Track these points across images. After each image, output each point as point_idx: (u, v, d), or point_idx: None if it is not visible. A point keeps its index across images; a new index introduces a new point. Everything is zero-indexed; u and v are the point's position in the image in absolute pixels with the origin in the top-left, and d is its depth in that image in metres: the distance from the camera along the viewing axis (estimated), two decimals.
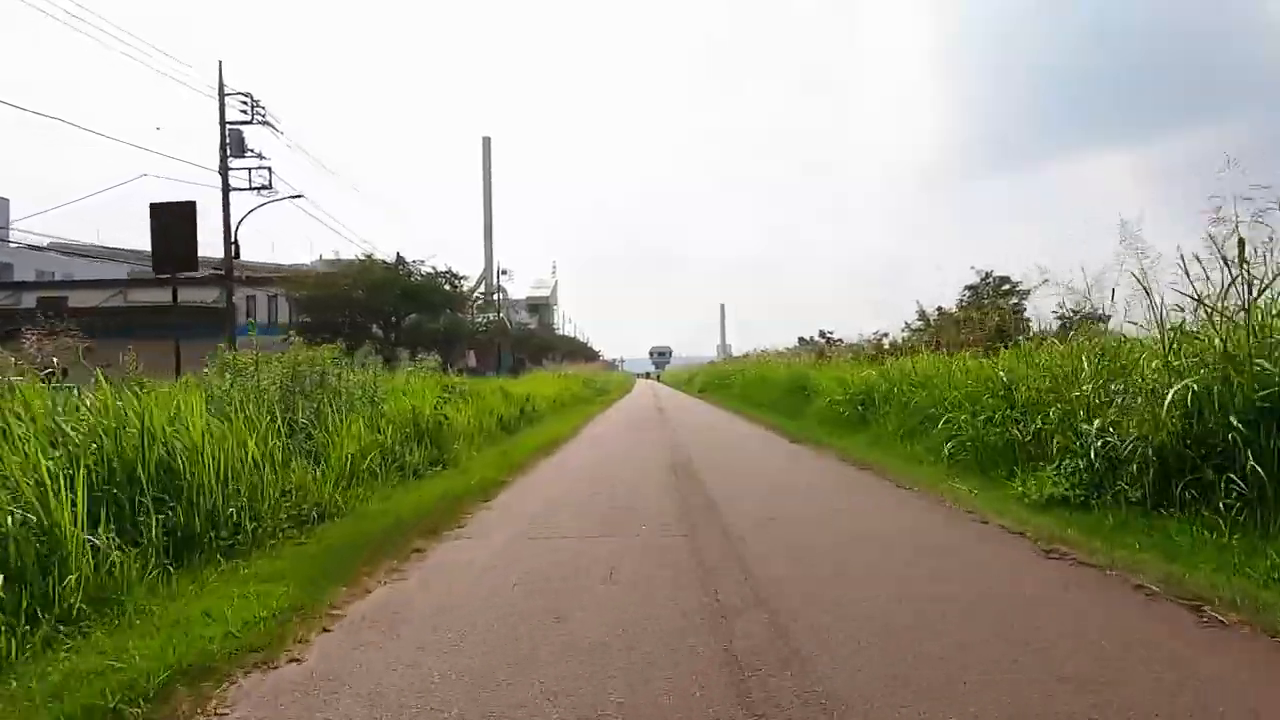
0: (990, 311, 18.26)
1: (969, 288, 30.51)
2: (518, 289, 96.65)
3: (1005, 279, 28.44)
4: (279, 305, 33.77)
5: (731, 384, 29.46)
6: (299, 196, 22.90)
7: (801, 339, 43.00)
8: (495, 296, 79.10)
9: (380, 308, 30.68)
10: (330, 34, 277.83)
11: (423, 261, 32.99)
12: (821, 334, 39.43)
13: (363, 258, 31.35)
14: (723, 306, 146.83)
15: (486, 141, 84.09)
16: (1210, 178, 5.74)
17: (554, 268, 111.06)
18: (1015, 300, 23.53)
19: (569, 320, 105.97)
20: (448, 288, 33.84)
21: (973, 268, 25.90)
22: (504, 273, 60.89)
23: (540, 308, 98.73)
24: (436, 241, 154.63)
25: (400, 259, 32.05)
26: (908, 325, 24.19)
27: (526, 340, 62.54)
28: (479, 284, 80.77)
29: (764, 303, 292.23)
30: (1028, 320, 21.91)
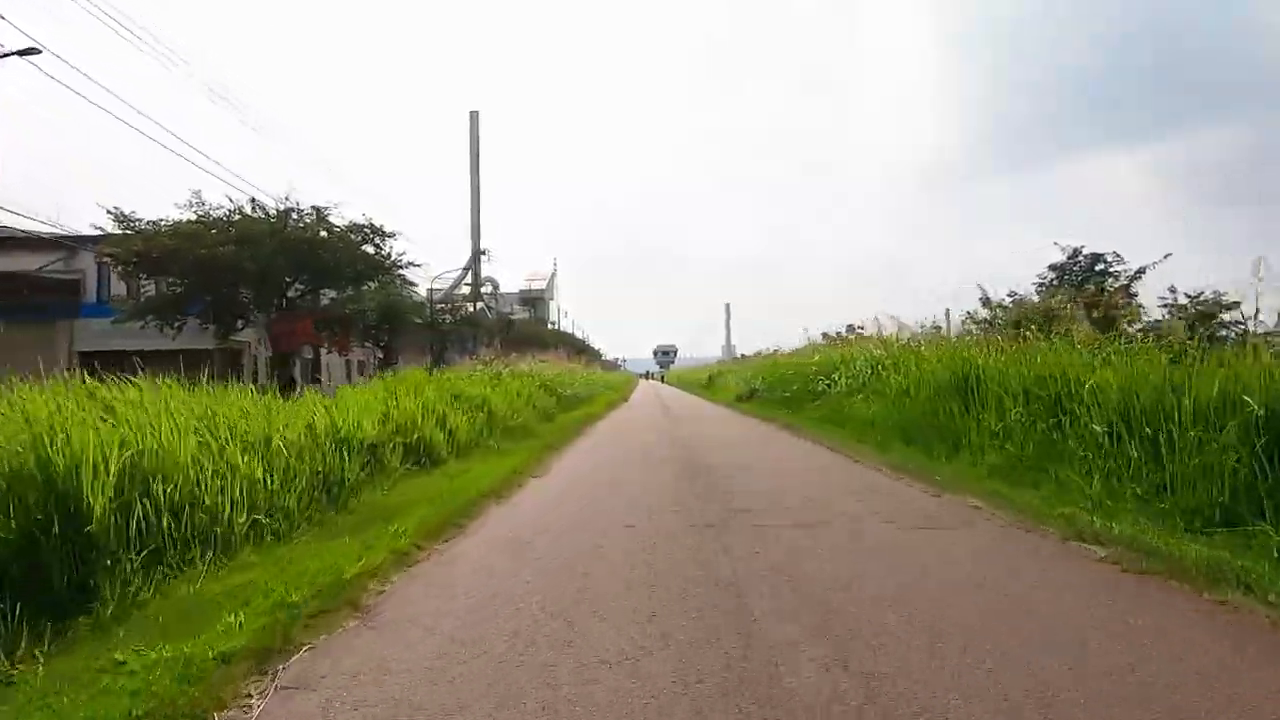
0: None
1: (1053, 267, 23.52)
2: (510, 280, 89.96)
3: (1098, 256, 22.36)
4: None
5: (822, 394, 15.19)
6: (32, 52, 13.53)
7: (826, 334, 35.84)
8: (479, 284, 71.87)
9: (273, 276, 20.74)
10: (327, 34, 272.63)
11: (328, 209, 22.00)
12: (849, 328, 32.92)
13: (243, 205, 21.13)
14: (728, 306, 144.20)
15: (474, 115, 76.57)
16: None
17: (554, 263, 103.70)
18: (1109, 281, 19.44)
19: (565, 314, 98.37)
20: (369, 249, 23.07)
21: (1056, 243, 22.26)
22: (483, 253, 52.58)
23: (535, 301, 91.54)
24: (431, 237, 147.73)
25: (326, 220, 22.06)
26: (970, 315, 17.81)
27: (505, 333, 54.44)
28: (465, 272, 73.62)
29: (764, 303, 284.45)
30: (1139, 307, 15.63)
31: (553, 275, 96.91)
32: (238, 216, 21.06)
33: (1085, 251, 25.52)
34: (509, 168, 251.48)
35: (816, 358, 17.31)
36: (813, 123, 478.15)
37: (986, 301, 23.22)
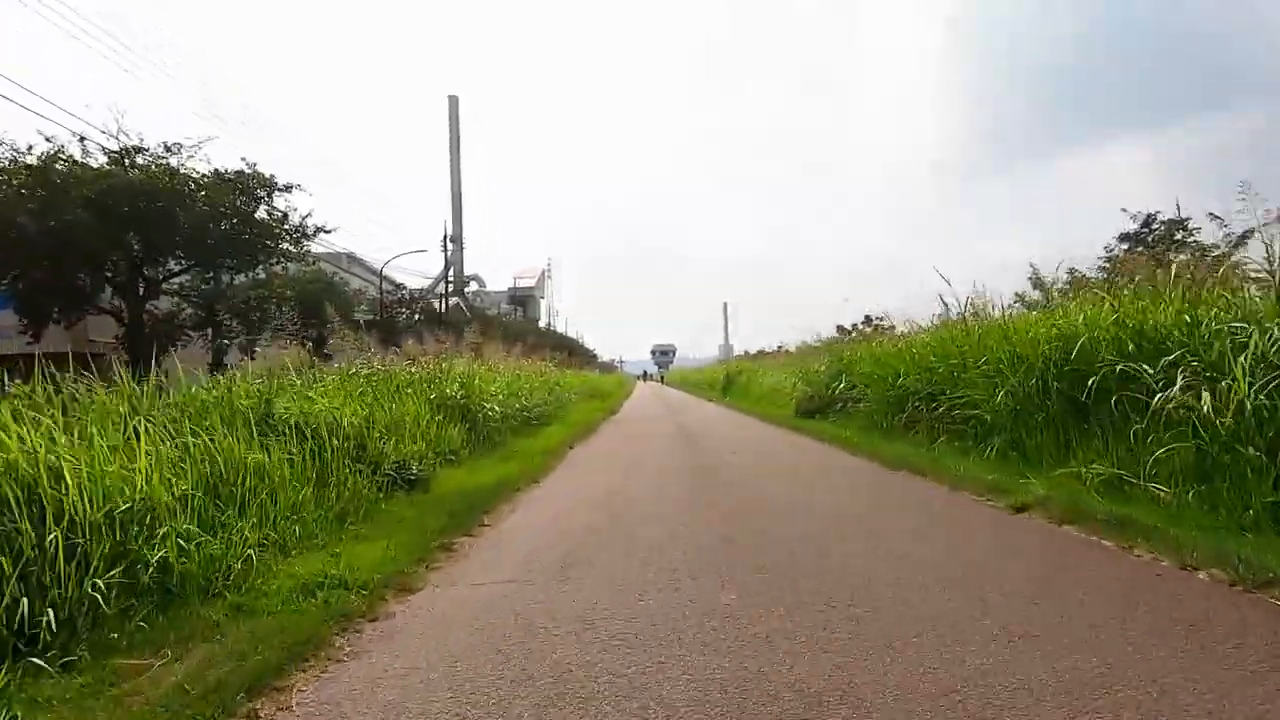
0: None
1: (1124, 237, 21.29)
2: (499, 279, 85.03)
3: (1179, 223, 19.69)
4: None
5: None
6: None
7: (841, 327, 30.99)
8: (462, 280, 66.92)
9: (81, 245, 13.64)
10: (327, 35, 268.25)
11: (184, 147, 15.38)
12: (867, 319, 28.29)
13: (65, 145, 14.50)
14: (726, 305, 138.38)
15: (453, 100, 71.30)
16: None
17: (548, 261, 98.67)
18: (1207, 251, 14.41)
19: (556, 314, 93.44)
20: (263, 213, 16.46)
21: (1124, 209, 20.07)
22: (453, 240, 46.79)
23: (524, 300, 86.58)
24: (431, 236, 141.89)
25: (212, 176, 15.64)
26: (1020, 297, 14.81)
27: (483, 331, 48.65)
28: (448, 269, 68.71)
29: (764, 302, 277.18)
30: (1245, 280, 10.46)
31: (543, 273, 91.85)
32: (62, 162, 14.02)
33: (1161, 218, 21.02)
34: (510, 169, 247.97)
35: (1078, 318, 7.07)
36: (813, 123, 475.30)
37: (1038, 282, 18.49)
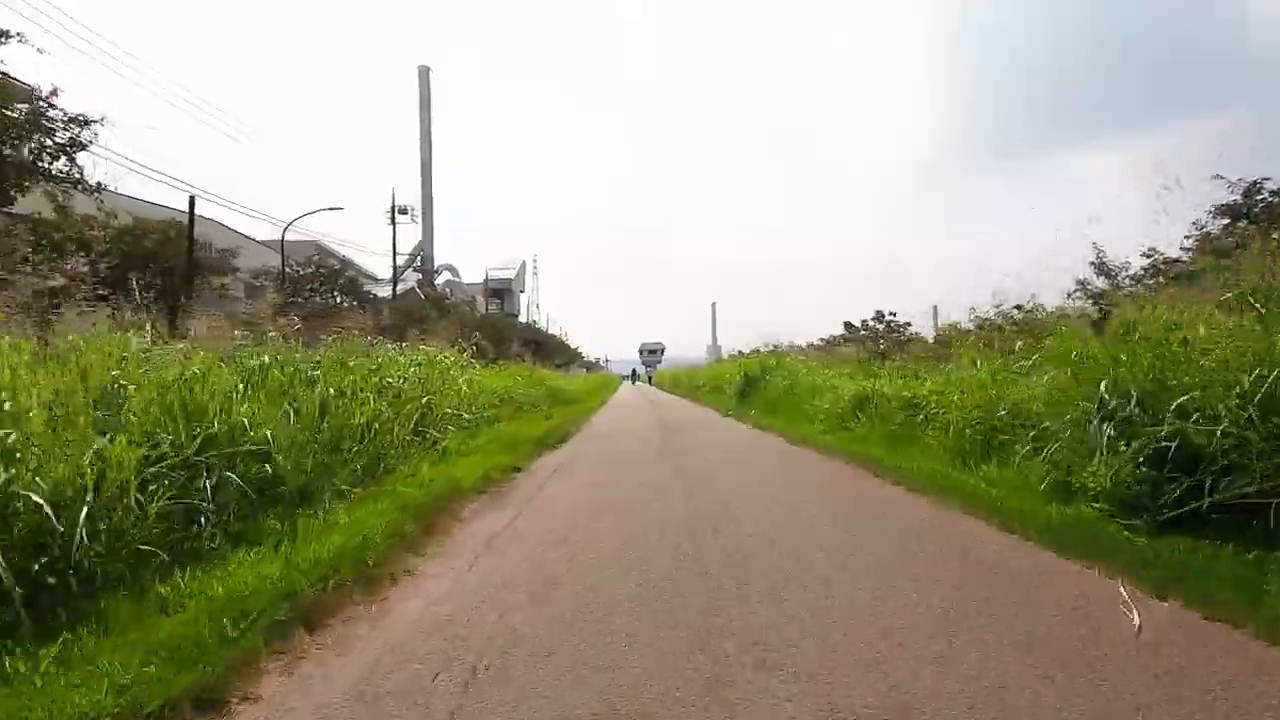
0: None
1: (1221, 210, 16.13)
2: (474, 272, 79.88)
3: None
4: None
5: None
6: None
7: (849, 324, 26.43)
8: (432, 266, 61.86)
9: None
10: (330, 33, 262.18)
11: None
12: (878, 315, 24.52)
13: None
14: (714, 305, 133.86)
15: (424, 72, 65.90)
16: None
17: (534, 258, 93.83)
18: None
19: (536, 308, 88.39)
20: None
21: (1218, 176, 15.31)
22: (403, 211, 40.31)
23: (503, 293, 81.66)
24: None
25: None
26: (1083, 285, 14.06)
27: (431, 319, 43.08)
28: (416, 254, 63.56)
29: (762, 303, 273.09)
30: None
31: (523, 266, 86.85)
32: None
33: (1270, 186, 16.09)
34: (510, 170, 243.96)
35: None
36: (812, 123, 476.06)
37: (1103, 269, 16.16)
